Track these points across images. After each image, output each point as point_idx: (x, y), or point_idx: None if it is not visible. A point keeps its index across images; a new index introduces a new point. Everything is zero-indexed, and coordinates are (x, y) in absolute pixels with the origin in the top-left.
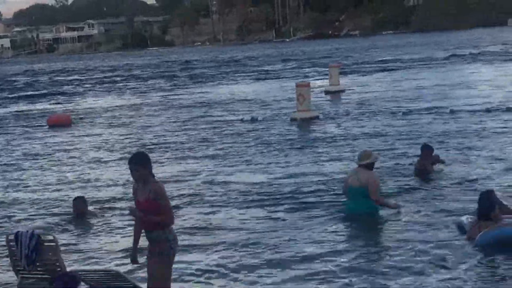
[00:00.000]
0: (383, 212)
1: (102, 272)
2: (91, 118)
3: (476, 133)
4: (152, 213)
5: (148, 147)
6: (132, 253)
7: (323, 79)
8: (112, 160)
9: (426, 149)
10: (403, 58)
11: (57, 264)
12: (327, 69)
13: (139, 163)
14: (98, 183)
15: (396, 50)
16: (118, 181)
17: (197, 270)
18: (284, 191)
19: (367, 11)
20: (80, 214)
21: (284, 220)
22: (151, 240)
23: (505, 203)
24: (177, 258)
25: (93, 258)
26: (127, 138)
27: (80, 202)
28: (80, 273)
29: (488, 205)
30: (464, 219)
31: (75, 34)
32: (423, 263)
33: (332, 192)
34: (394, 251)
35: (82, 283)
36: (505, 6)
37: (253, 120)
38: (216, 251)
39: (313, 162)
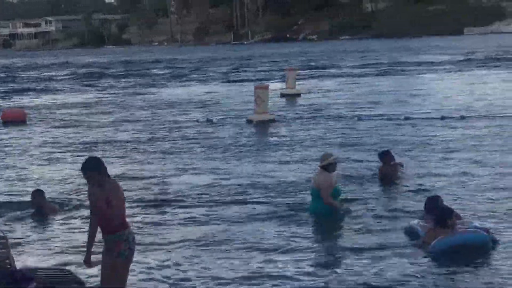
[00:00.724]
0: (342, 215)
1: (55, 271)
2: (46, 114)
3: (430, 140)
4: (109, 214)
5: (101, 145)
6: (86, 254)
7: (280, 82)
8: (65, 157)
9: (386, 155)
10: (360, 64)
11: (7, 261)
12: (284, 72)
13: (92, 169)
14: (52, 180)
15: (354, 55)
16: (72, 178)
17: (149, 268)
18: (235, 192)
19: (326, 15)
20: (39, 208)
21: (230, 220)
22: (109, 241)
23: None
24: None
25: (47, 255)
26: (80, 135)
27: (38, 195)
28: (31, 270)
29: (443, 212)
30: (415, 223)
31: (32, 30)
32: (375, 268)
33: (282, 193)
34: (348, 254)
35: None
36: (461, 15)
37: (209, 121)
38: (168, 250)
39: (266, 164)
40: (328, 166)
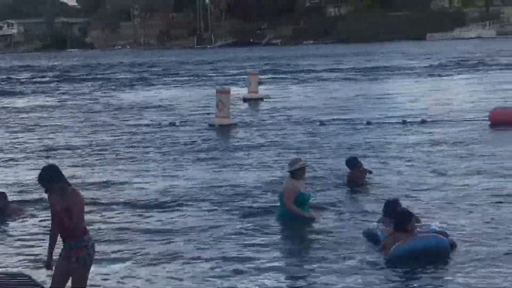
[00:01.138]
0: (306, 221)
1: (12, 275)
2: (5, 118)
3: (390, 144)
4: (69, 221)
5: (60, 149)
6: (48, 259)
7: (243, 86)
8: (23, 161)
9: (354, 161)
10: (323, 69)
11: None
12: (246, 77)
13: (50, 180)
14: (11, 184)
15: (317, 60)
16: (31, 181)
17: (106, 274)
18: (196, 197)
19: (289, 20)
20: (1, 210)
21: (190, 226)
22: (69, 247)
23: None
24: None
25: (4, 259)
26: (40, 139)
27: (0, 198)
28: None
29: (404, 216)
30: (375, 226)
31: None
32: (335, 272)
33: (244, 198)
34: (309, 260)
35: None
36: (424, 21)
37: (171, 125)
38: (124, 259)
39: (228, 168)
40: (295, 172)
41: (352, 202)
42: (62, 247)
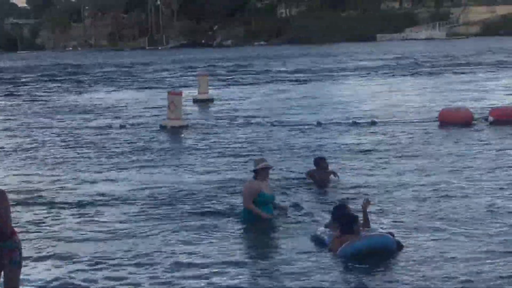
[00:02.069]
0: (264, 221)
1: None
2: None
3: (340, 145)
4: None
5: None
6: None
7: (193, 88)
8: None
9: (318, 160)
10: (274, 70)
11: None
12: (196, 78)
13: None
14: None
15: (268, 61)
16: None
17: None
18: (151, 200)
19: (240, 21)
20: None
21: (148, 233)
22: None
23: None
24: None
25: None
26: None
27: None
28: None
29: (349, 219)
30: (322, 232)
31: None
32: (284, 275)
33: (198, 200)
34: (254, 259)
35: None
36: (374, 22)
37: (121, 127)
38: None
39: (181, 170)
40: (258, 172)
41: (309, 203)
42: None
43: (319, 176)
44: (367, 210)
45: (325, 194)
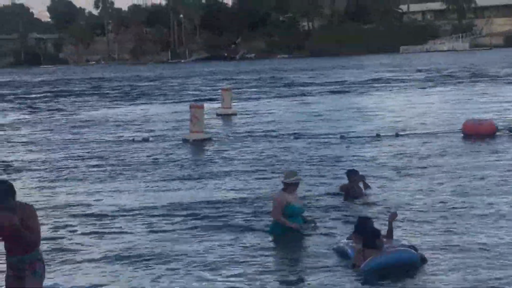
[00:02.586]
0: (292, 233)
1: None
2: None
3: (363, 157)
4: (22, 234)
5: (34, 165)
6: None
7: (216, 101)
8: None
9: (349, 173)
10: (298, 82)
11: None
12: (220, 92)
13: (8, 194)
14: None
15: (291, 74)
16: None
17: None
18: (174, 213)
19: (262, 34)
20: None
21: (166, 242)
22: (23, 262)
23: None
24: None
25: None
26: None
27: None
28: None
29: (373, 234)
30: (345, 244)
31: None
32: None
33: (225, 212)
34: (278, 271)
35: None
36: (397, 34)
37: (144, 140)
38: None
39: (204, 182)
40: (287, 184)
41: (338, 216)
42: (9, 267)
43: (351, 189)
44: (392, 223)
45: (354, 207)
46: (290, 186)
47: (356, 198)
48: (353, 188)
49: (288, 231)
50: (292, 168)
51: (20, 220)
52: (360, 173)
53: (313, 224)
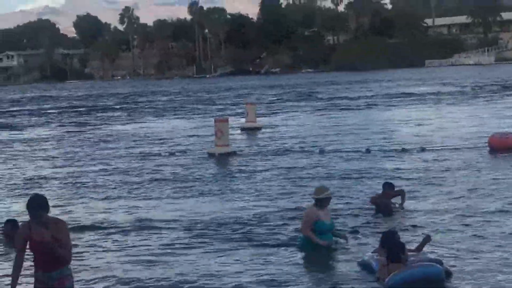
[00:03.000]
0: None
1: None
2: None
3: (388, 171)
4: (53, 250)
5: (61, 179)
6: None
7: (241, 115)
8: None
9: (384, 185)
10: (323, 97)
11: None
12: (244, 106)
13: (43, 208)
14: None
15: (315, 88)
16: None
17: None
18: (199, 227)
19: (287, 49)
20: (7, 237)
21: (196, 255)
22: (52, 278)
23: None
24: None
25: None
26: (41, 170)
27: (8, 225)
28: None
29: (397, 247)
30: (370, 258)
31: None
32: None
33: (251, 227)
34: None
35: None
36: (422, 48)
37: (171, 154)
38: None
39: (231, 196)
40: (319, 200)
41: (367, 230)
42: (39, 283)
43: (381, 203)
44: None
45: (383, 220)
46: (321, 202)
47: (386, 211)
48: (384, 201)
49: (317, 246)
50: (322, 183)
51: (52, 236)
52: (376, 186)
53: (343, 240)
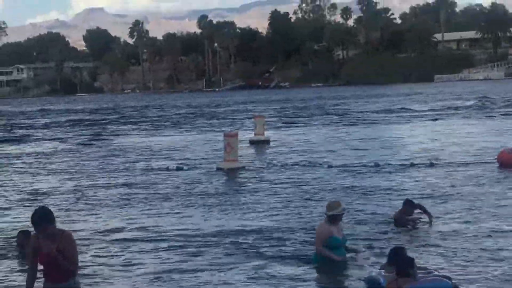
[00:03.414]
0: (334, 264)
1: None
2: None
3: (396, 186)
4: (59, 262)
5: (66, 193)
6: None
7: (249, 129)
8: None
9: (404, 202)
10: (332, 110)
11: None
12: (253, 119)
13: (48, 221)
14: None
15: (324, 103)
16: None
17: None
18: (207, 241)
19: (297, 63)
20: (21, 247)
21: (205, 270)
22: None
23: None
24: None
25: None
26: (48, 183)
27: (21, 235)
28: None
29: (406, 263)
30: (378, 274)
31: (3, 78)
32: None
33: (255, 242)
34: None
35: None
36: (431, 63)
37: (179, 169)
38: None
39: (240, 212)
40: (332, 217)
41: (381, 245)
42: None
43: (399, 219)
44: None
45: (396, 236)
46: (334, 218)
47: (403, 227)
48: (403, 218)
49: (331, 262)
50: (334, 199)
51: (58, 247)
52: (382, 201)
53: (355, 254)
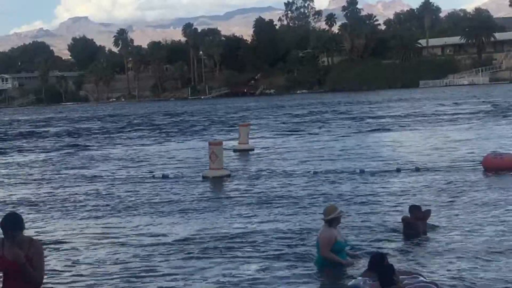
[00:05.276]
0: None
1: None
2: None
3: (381, 191)
4: (24, 270)
5: (49, 201)
6: None
7: (234, 137)
8: None
9: (413, 209)
10: (317, 118)
11: None
12: (237, 127)
13: (18, 227)
14: None
15: (310, 109)
16: None
17: None
18: (192, 250)
19: (282, 70)
20: None
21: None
22: None
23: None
24: None
25: None
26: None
27: None
28: None
29: (387, 270)
30: (363, 281)
31: None
32: None
33: (244, 250)
34: None
35: None
36: (416, 68)
37: (164, 177)
38: None
39: (227, 220)
40: (331, 221)
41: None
42: None
43: (407, 224)
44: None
45: (395, 243)
46: (332, 222)
47: (412, 233)
48: (411, 223)
49: (337, 265)
50: (331, 203)
51: (27, 256)
52: (371, 205)
53: (356, 258)
